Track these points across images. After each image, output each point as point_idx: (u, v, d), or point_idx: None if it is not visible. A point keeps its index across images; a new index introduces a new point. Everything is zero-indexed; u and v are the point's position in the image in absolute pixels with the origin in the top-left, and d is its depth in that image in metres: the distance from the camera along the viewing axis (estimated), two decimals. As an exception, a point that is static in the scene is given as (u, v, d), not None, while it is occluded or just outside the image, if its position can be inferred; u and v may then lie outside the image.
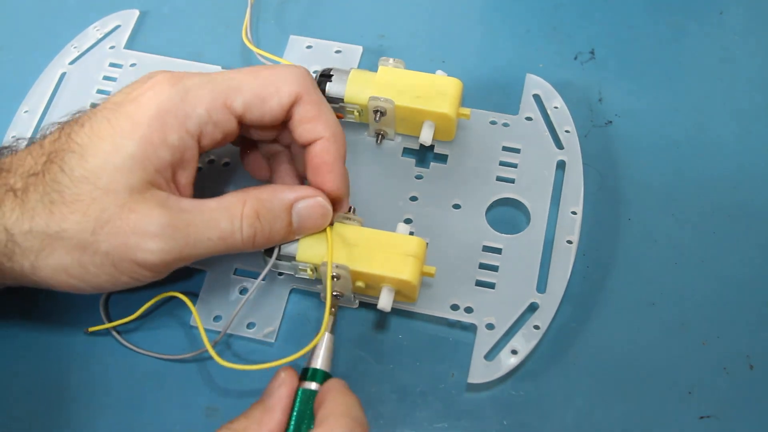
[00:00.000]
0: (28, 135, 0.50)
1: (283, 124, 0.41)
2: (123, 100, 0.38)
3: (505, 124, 0.49)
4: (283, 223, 0.40)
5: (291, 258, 0.42)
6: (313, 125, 0.40)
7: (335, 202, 0.41)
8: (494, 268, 0.44)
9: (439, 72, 0.47)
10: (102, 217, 0.36)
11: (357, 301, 0.44)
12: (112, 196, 0.37)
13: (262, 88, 0.39)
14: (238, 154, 0.46)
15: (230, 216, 0.38)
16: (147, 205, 0.37)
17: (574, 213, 0.46)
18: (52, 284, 0.38)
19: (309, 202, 0.40)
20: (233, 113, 0.39)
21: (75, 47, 0.54)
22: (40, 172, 0.37)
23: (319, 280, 0.43)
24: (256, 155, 0.45)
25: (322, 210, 0.40)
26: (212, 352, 0.40)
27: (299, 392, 0.37)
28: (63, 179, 0.37)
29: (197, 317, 0.42)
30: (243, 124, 0.40)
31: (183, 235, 0.37)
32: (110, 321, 0.44)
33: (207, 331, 0.42)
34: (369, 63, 0.53)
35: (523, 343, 0.42)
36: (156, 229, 0.37)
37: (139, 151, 0.37)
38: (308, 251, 0.41)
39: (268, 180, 0.45)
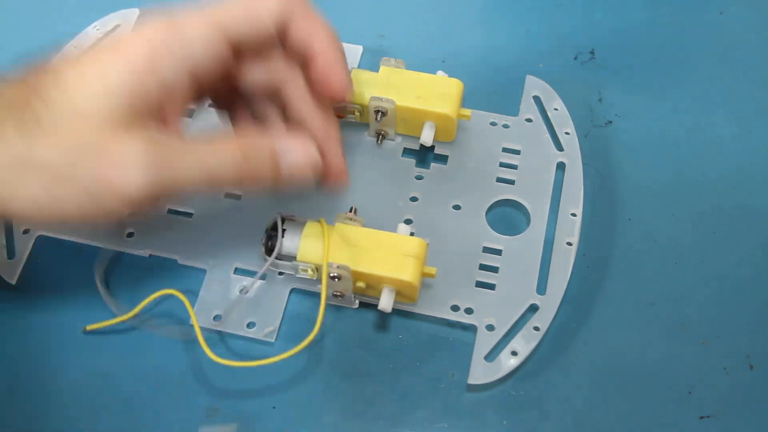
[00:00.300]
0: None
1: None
2: (112, 40, 0.37)
3: (506, 126, 0.49)
4: (269, 166, 0.38)
5: (292, 258, 0.42)
6: (312, 40, 0.40)
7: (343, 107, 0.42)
8: (494, 269, 0.44)
9: (440, 72, 0.47)
10: (81, 144, 0.34)
11: (357, 302, 0.44)
12: (93, 123, 0.34)
13: (249, 2, 0.38)
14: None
15: (217, 154, 0.37)
16: (130, 135, 0.35)
17: (573, 215, 0.46)
18: (22, 217, 0.36)
19: (298, 150, 0.39)
20: (228, 40, 0.38)
21: (75, 47, 0.54)
22: (16, 101, 0.35)
23: (319, 280, 0.43)
24: (247, 118, 0.43)
25: (311, 159, 0.40)
26: (206, 349, 0.40)
27: None
28: (40, 106, 0.35)
29: (193, 315, 0.42)
30: (237, 57, 0.39)
31: (167, 169, 0.35)
32: (112, 301, 0.44)
33: (206, 330, 0.42)
34: (369, 63, 0.53)
35: (523, 344, 0.42)
36: (139, 161, 0.34)
37: (125, 81, 0.35)
38: (309, 251, 0.42)
39: None
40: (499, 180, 0.47)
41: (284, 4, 0.39)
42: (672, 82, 0.52)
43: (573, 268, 0.44)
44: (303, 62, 0.41)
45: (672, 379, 0.42)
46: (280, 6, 0.39)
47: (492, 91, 0.51)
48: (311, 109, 0.41)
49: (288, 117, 0.42)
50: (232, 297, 0.44)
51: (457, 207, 0.47)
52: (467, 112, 0.47)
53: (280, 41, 0.40)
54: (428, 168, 0.48)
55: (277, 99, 0.42)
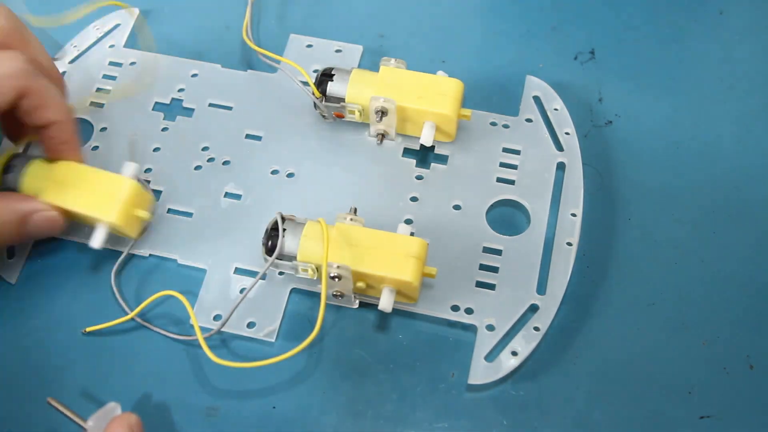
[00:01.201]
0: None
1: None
2: None
3: (506, 126, 0.49)
4: (12, 228, 0.42)
5: (292, 258, 0.42)
6: (42, 112, 0.42)
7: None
8: (494, 270, 0.44)
9: (440, 72, 0.47)
10: None
11: (357, 302, 0.44)
12: None
13: None
14: (239, 152, 0.46)
15: None
16: None
17: (573, 215, 0.46)
18: None
19: (42, 215, 0.43)
20: None
21: (75, 46, 0.54)
22: None
23: (319, 280, 0.43)
24: (13, 119, 0.44)
25: (53, 223, 0.43)
26: (206, 349, 0.40)
27: None
28: None
29: (193, 316, 0.42)
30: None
31: None
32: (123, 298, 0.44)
33: (206, 330, 0.42)
34: (369, 62, 0.53)
35: (523, 344, 0.42)
36: None
37: None
38: (309, 251, 0.42)
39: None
40: (499, 180, 0.47)
41: (16, 91, 0.41)
42: (672, 82, 0.52)
43: (573, 268, 0.44)
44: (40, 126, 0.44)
45: (672, 379, 0.42)
46: (18, 81, 0.41)
47: (492, 91, 0.51)
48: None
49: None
50: (232, 297, 0.44)
51: (457, 207, 0.47)
52: (467, 112, 0.47)
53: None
54: (428, 168, 0.48)
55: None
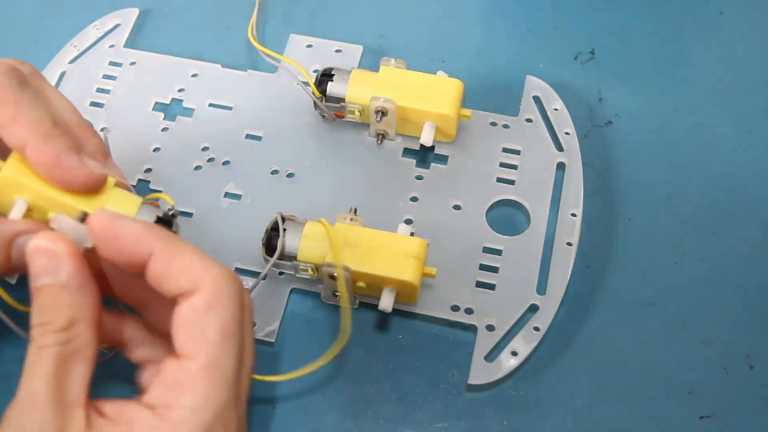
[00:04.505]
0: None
1: None
2: None
3: (506, 126, 0.49)
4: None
5: (292, 258, 0.42)
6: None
7: None
8: (494, 270, 0.44)
9: (440, 72, 0.47)
10: None
11: (357, 302, 0.44)
12: None
13: None
14: (239, 152, 0.46)
15: None
16: None
17: (573, 215, 0.46)
18: None
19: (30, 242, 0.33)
20: None
21: (75, 46, 0.54)
22: None
23: (319, 280, 0.43)
24: None
25: (48, 254, 0.33)
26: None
27: None
28: None
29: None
30: None
31: None
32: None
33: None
34: (369, 62, 0.53)
35: (523, 344, 0.42)
36: None
37: None
38: (309, 251, 0.42)
39: None
40: (499, 180, 0.47)
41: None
42: (672, 82, 0.52)
43: (573, 268, 0.44)
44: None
45: (672, 379, 0.42)
46: None
47: (492, 91, 0.51)
48: None
49: None
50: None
51: (457, 207, 0.47)
52: (467, 112, 0.47)
53: None
54: (428, 168, 0.48)
55: None
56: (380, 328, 0.44)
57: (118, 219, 0.33)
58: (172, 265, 0.32)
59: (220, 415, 0.32)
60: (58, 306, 0.32)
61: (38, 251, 0.33)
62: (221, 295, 0.32)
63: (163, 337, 0.36)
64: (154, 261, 0.32)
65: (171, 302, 0.33)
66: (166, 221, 0.38)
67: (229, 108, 0.51)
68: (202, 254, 0.33)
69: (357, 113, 0.47)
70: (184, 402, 0.31)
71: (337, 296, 0.43)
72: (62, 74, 0.52)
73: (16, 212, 0.35)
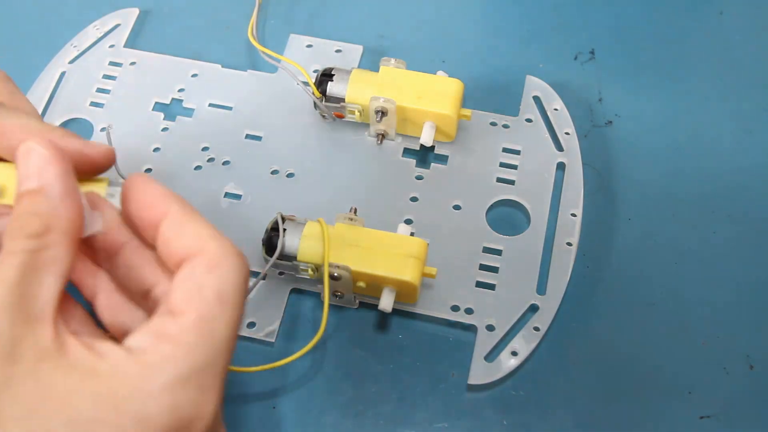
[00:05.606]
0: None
1: None
2: None
3: (506, 126, 0.49)
4: None
5: (292, 258, 0.42)
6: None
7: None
8: (494, 270, 0.44)
9: (440, 72, 0.47)
10: None
11: (357, 302, 0.44)
12: None
13: None
14: (239, 152, 0.45)
15: None
16: None
17: (573, 215, 0.46)
18: None
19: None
20: None
21: (75, 46, 0.54)
22: None
23: (319, 280, 0.43)
24: None
25: (35, 155, 0.31)
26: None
27: None
28: None
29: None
30: None
31: None
32: None
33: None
34: (369, 62, 0.53)
35: (523, 344, 0.42)
36: None
37: None
38: (309, 251, 0.42)
39: None
40: (499, 180, 0.47)
41: None
42: (672, 82, 0.52)
43: (573, 268, 0.44)
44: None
45: (672, 379, 0.42)
46: None
47: (492, 91, 0.51)
48: None
49: None
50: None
51: (457, 207, 0.47)
52: (467, 112, 0.47)
53: None
54: (428, 168, 0.48)
55: None
56: (380, 328, 0.44)
57: (152, 179, 0.32)
58: (184, 227, 0.32)
59: (198, 374, 0.29)
60: (35, 211, 0.30)
61: (27, 153, 0.31)
62: (225, 260, 0.31)
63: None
64: (168, 220, 0.32)
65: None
66: None
67: (229, 108, 0.51)
68: (214, 227, 0.33)
69: (357, 113, 0.47)
70: (162, 349, 0.29)
71: (338, 296, 0.43)
72: (62, 74, 0.52)
73: None
